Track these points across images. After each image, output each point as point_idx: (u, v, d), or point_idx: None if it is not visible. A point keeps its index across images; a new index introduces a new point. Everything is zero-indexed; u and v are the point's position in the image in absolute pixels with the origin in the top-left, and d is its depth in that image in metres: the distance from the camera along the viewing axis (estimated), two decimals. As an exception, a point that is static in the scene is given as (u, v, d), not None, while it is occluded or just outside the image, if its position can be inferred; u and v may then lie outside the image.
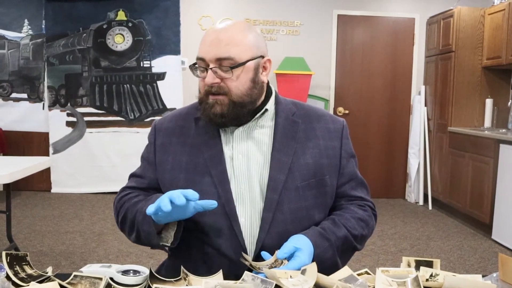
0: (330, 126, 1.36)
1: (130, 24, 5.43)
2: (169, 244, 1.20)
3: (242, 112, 1.25)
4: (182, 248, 1.28)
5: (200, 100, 1.27)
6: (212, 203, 1.13)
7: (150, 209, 1.09)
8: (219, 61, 1.20)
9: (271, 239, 1.22)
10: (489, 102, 4.94)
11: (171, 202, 1.07)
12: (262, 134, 1.31)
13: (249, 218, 1.25)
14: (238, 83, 1.22)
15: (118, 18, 5.42)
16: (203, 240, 1.25)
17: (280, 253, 1.13)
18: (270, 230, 1.23)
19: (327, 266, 1.15)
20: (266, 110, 1.31)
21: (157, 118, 5.59)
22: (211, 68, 1.21)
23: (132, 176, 1.42)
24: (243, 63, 1.21)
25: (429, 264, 1.13)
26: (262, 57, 1.27)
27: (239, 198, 1.26)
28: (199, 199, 1.13)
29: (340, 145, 1.35)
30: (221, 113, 1.22)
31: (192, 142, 1.31)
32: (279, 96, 1.36)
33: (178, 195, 1.07)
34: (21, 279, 1.00)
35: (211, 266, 1.21)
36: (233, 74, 1.21)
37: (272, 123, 1.32)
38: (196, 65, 1.25)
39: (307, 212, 1.27)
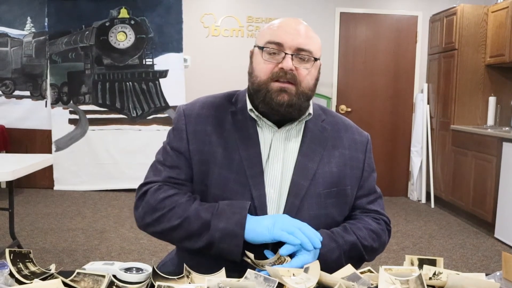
0: (356, 138, 1.37)
1: (132, 22, 5.43)
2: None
3: (305, 106, 1.25)
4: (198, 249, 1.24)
5: (259, 85, 1.22)
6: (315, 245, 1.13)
7: (286, 250, 1.10)
8: (299, 51, 1.20)
9: None
10: (492, 100, 4.93)
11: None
12: (297, 138, 1.29)
13: None
14: (309, 77, 1.23)
15: (120, 16, 5.42)
16: None
17: (283, 249, 1.12)
18: None
19: (332, 267, 1.13)
20: (310, 114, 1.30)
21: (160, 115, 5.58)
22: (291, 55, 1.20)
23: (161, 164, 1.28)
24: (318, 59, 1.24)
25: (432, 263, 1.12)
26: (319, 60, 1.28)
27: (269, 202, 1.23)
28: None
29: (364, 158, 1.35)
30: (288, 102, 1.20)
31: (227, 136, 1.26)
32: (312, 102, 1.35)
33: (317, 240, 1.11)
34: (24, 276, 1.00)
35: (227, 266, 1.13)
36: (311, 66, 1.22)
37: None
38: (267, 48, 1.21)
39: (325, 220, 1.26)
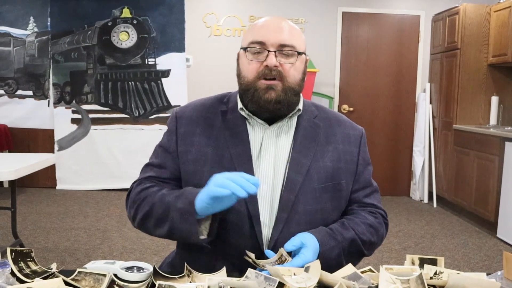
0: (350, 132, 1.37)
1: (135, 21, 5.44)
2: (205, 237, 1.16)
3: (294, 100, 1.26)
4: (195, 245, 1.27)
5: (247, 85, 1.24)
6: (255, 184, 1.07)
7: (212, 192, 1.05)
8: (282, 46, 1.22)
9: (284, 239, 1.20)
10: (494, 99, 4.92)
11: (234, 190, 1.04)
12: (289, 134, 1.30)
13: (268, 218, 1.24)
14: (295, 71, 1.24)
15: (123, 16, 5.43)
16: (219, 238, 1.22)
17: (288, 245, 1.12)
18: (284, 230, 1.22)
19: (332, 265, 1.14)
20: (299, 110, 1.31)
21: (162, 115, 5.59)
22: (274, 51, 1.21)
23: (150, 165, 1.35)
24: (303, 53, 1.26)
25: (433, 262, 1.12)
26: (306, 54, 1.30)
27: (261, 197, 1.25)
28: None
29: (358, 151, 1.36)
30: (276, 99, 1.22)
31: (217, 135, 1.28)
32: (303, 98, 1.36)
33: (249, 185, 1.04)
34: (26, 275, 1.00)
35: (225, 264, 1.15)
36: (295, 60, 1.23)
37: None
38: (250, 48, 1.23)
39: (321, 215, 1.27)
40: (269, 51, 1.21)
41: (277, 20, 1.26)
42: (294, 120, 1.31)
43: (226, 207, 1.12)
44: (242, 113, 1.29)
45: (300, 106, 1.31)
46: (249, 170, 1.23)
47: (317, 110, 1.37)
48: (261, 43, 1.22)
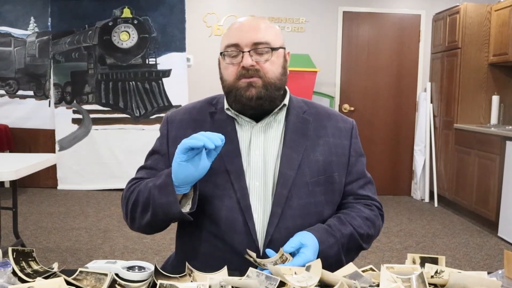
0: (341, 125, 1.38)
1: (135, 21, 5.44)
2: (188, 210, 1.18)
3: (276, 95, 1.28)
4: (192, 244, 1.28)
5: (229, 87, 1.27)
6: (221, 139, 1.14)
7: (191, 142, 1.10)
8: (256, 45, 1.24)
9: (280, 234, 1.23)
10: (495, 99, 4.91)
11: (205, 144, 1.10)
12: (277, 130, 1.32)
13: (262, 214, 1.26)
14: (273, 67, 1.26)
15: (123, 15, 5.43)
16: (215, 236, 1.25)
17: (287, 246, 1.13)
18: (279, 225, 1.24)
19: (331, 262, 1.16)
20: (284, 105, 1.33)
21: (163, 115, 5.60)
22: (248, 51, 1.24)
23: (142, 168, 1.39)
24: (278, 48, 1.27)
25: (434, 261, 1.12)
26: (284, 48, 1.32)
27: (253, 193, 1.27)
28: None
29: (349, 143, 1.37)
30: (257, 95, 1.24)
31: None
32: (290, 94, 1.38)
33: (215, 138, 1.11)
34: (27, 275, 1.00)
35: (222, 262, 1.15)
36: (270, 57, 1.25)
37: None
38: (227, 52, 1.27)
39: (315, 208, 1.28)
40: (243, 52, 1.24)
41: (249, 20, 1.29)
42: (282, 115, 1.33)
43: (201, 172, 1.14)
44: (229, 113, 1.32)
45: (286, 101, 1.33)
46: (239, 167, 1.26)
47: (307, 106, 1.39)
48: (236, 45, 1.25)
